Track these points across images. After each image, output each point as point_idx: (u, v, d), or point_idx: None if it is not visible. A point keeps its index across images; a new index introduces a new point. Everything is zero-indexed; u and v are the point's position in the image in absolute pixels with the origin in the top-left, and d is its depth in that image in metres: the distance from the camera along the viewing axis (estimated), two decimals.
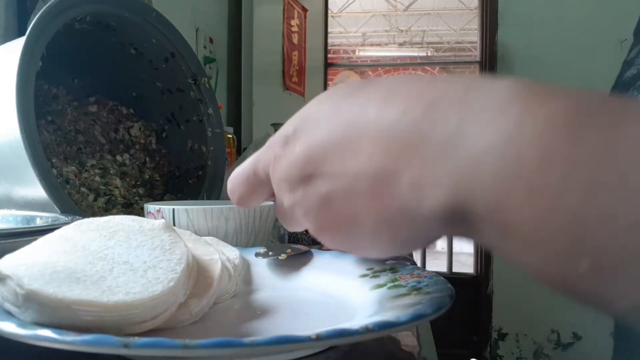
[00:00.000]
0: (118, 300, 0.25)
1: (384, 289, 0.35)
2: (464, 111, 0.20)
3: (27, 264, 0.26)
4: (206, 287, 0.32)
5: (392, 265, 0.38)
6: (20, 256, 0.27)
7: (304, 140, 0.26)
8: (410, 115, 0.21)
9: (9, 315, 0.25)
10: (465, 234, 0.21)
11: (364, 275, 0.38)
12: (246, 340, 0.21)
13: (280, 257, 0.42)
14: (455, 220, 0.20)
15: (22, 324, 0.24)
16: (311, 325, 0.31)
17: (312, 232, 0.27)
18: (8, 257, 0.27)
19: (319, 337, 0.22)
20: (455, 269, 2.64)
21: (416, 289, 0.32)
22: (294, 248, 0.44)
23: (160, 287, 0.27)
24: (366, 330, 0.23)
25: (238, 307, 0.36)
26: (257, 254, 0.43)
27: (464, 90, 0.20)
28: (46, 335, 0.22)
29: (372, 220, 0.23)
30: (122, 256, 0.29)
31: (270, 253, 0.43)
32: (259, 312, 0.34)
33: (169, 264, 0.29)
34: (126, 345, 0.21)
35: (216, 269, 0.34)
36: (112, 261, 0.28)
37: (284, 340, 0.22)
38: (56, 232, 0.31)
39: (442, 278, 0.34)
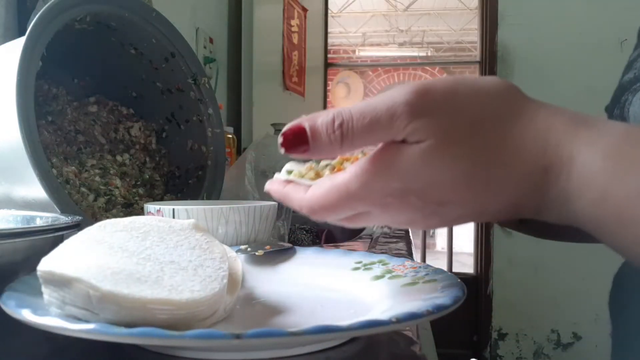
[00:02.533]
0: (188, 298, 0.26)
1: (384, 280, 0.36)
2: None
3: (83, 267, 0.26)
4: (233, 284, 0.33)
5: (379, 258, 0.40)
6: (65, 259, 0.27)
7: (437, 218, 0.28)
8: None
9: (77, 319, 0.25)
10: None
11: (356, 269, 0.39)
12: (290, 330, 0.23)
13: (256, 253, 0.44)
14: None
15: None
16: (333, 317, 0.32)
17: (374, 214, 0.29)
18: (47, 260, 0.27)
19: (353, 328, 0.24)
20: (455, 269, 2.64)
21: (419, 278, 0.34)
22: (274, 244, 0.46)
23: (217, 285, 0.28)
24: (396, 321, 0.24)
25: (253, 303, 0.36)
26: (238, 251, 0.44)
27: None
28: (160, 333, 0.22)
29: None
30: (165, 256, 0.30)
31: (249, 249, 0.44)
32: (276, 307, 0.35)
33: (214, 263, 0.30)
34: (238, 337, 0.22)
35: (238, 266, 0.35)
36: (158, 261, 0.29)
37: (324, 329, 0.23)
38: (80, 234, 0.31)
39: (437, 267, 0.36)
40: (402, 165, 0.26)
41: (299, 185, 0.30)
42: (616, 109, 0.51)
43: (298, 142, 0.27)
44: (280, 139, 0.27)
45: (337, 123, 0.26)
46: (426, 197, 0.27)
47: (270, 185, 0.32)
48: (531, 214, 0.28)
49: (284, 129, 0.28)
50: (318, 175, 0.31)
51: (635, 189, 0.24)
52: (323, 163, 0.32)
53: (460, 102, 0.26)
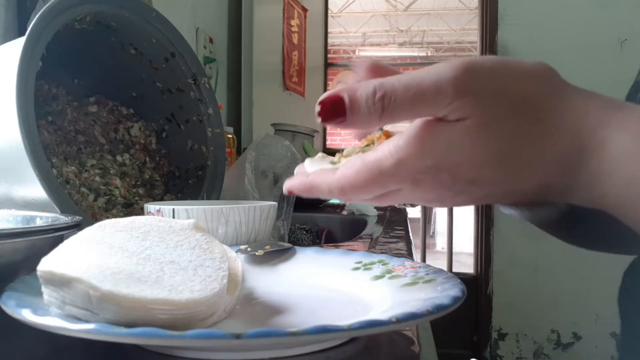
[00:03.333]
0: (188, 298, 0.26)
1: (384, 280, 0.36)
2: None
3: (83, 267, 0.26)
4: (233, 284, 0.33)
5: (379, 258, 0.40)
6: (65, 259, 0.27)
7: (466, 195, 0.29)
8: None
9: (77, 319, 0.25)
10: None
11: (356, 269, 0.39)
12: (290, 330, 0.23)
13: (256, 253, 0.43)
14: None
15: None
16: (333, 317, 0.32)
17: (406, 190, 0.28)
18: (47, 260, 0.27)
19: (353, 328, 0.24)
20: (455, 269, 2.64)
21: (419, 278, 0.34)
22: (274, 244, 0.46)
23: (217, 285, 0.28)
24: (396, 321, 0.24)
25: (253, 303, 0.36)
26: (237, 251, 0.44)
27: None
28: (160, 333, 0.22)
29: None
30: (165, 256, 0.30)
31: (249, 249, 0.44)
32: (276, 307, 0.35)
33: (214, 263, 0.30)
34: (238, 337, 0.22)
35: (238, 266, 0.35)
36: (158, 261, 0.29)
37: (324, 329, 0.23)
38: (80, 234, 0.31)
39: (437, 267, 0.36)
40: (440, 143, 0.26)
41: (324, 170, 0.29)
42: None
43: (335, 112, 0.26)
44: (317, 108, 0.27)
45: (378, 95, 0.26)
46: (459, 174, 0.27)
47: (291, 183, 0.30)
48: (559, 195, 0.28)
49: (322, 97, 0.27)
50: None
51: None
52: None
53: (504, 81, 0.26)
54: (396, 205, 0.33)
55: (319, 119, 0.27)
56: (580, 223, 0.35)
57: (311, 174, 0.30)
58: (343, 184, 0.28)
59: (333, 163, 0.30)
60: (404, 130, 0.27)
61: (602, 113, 0.26)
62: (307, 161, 0.32)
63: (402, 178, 0.27)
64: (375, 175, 0.27)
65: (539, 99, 0.27)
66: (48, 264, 0.26)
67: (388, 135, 0.31)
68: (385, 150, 0.27)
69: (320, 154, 0.32)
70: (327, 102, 0.27)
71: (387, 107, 0.26)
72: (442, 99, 0.25)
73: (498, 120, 0.26)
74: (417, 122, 0.26)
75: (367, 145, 0.31)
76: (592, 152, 0.26)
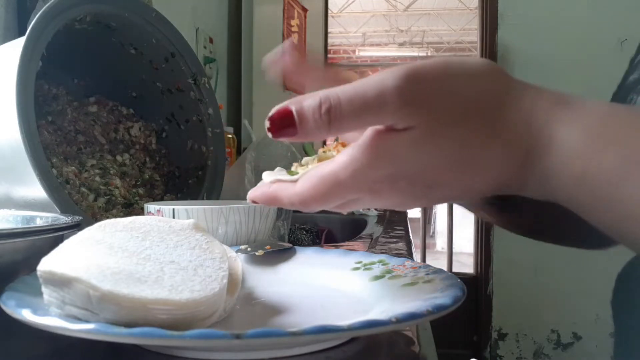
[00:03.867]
0: (188, 298, 0.26)
1: (384, 280, 0.36)
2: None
3: (83, 267, 0.26)
4: (233, 284, 0.33)
5: (379, 258, 0.40)
6: (65, 259, 0.27)
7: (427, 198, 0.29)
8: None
9: (77, 319, 0.25)
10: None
11: (356, 269, 0.39)
12: (290, 330, 0.23)
13: (257, 253, 0.44)
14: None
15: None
16: (333, 317, 0.32)
17: (367, 199, 0.29)
18: (47, 260, 0.27)
19: (353, 328, 0.24)
20: (455, 269, 2.64)
21: (419, 278, 0.34)
22: (274, 244, 0.46)
23: (217, 285, 0.28)
24: (396, 321, 0.24)
25: (253, 303, 0.36)
26: (237, 251, 0.44)
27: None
28: (160, 333, 0.23)
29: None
30: (165, 256, 0.30)
31: (249, 249, 0.44)
32: (276, 307, 0.35)
33: (214, 262, 0.30)
34: (238, 337, 0.22)
35: (238, 266, 0.35)
36: (158, 261, 0.29)
37: (324, 329, 0.23)
38: (80, 234, 0.31)
39: (437, 267, 0.36)
40: (392, 152, 0.26)
41: (284, 182, 0.30)
42: None
43: (286, 125, 0.27)
44: (267, 124, 0.27)
45: (324, 108, 0.26)
46: (416, 181, 0.27)
47: (253, 193, 0.31)
48: (515, 190, 0.29)
49: (271, 112, 0.27)
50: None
51: (610, 167, 0.25)
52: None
53: (449, 86, 0.26)
54: (361, 210, 0.33)
55: (270, 134, 0.27)
56: (534, 214, 0.36)
57: (273, 186, 0.30)
58: (303, 197, 0.28)
59: (291, 173, 0.31)
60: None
61: (551, 110, 0.26)
62: (265, 174, 0.32)
63: (358, 189, 0.27)
64: (333, 188, 0.27)
65: (485, 100, 0.27)
66: (48, 264, 0.26)
67: (344, 144, 0.31)
68: (340, 162, 0.27)
69: (278, 168, 0.33)
70: (277, 116, 0.27)
71: (334, 119, 0.26)
72: (387, 110, 0.25)
73: (446, 125, 0.26)
74: (369, 131, 0.27)
75: (324, 152, 0.32)
76: (542, 150, 0.26)
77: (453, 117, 0.26)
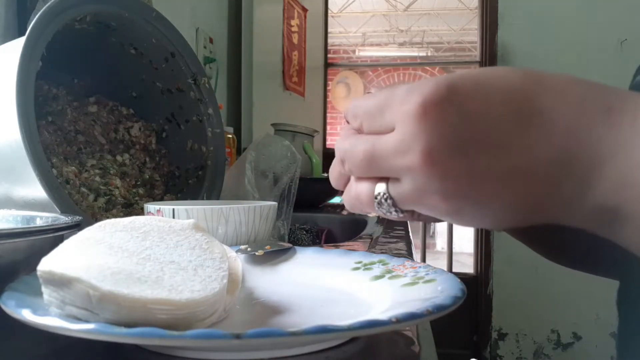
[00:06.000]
0: (188, 298, 0.26)
1: (384, 280, 0.36)
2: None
3: (83, 267, 0.26)
4: (233, 284, 0.33)
5: (379, 258, 0.40)
6: (65, 259, 0.27)
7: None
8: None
9: (77, 319, 0.25)
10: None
11: (356, 269, 0.39)
12: (290, 330, 0.23)
13: (257, 253, 0.43)
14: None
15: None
16: (333, 317, 0.32)
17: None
18: (47, 260, 0.26)
19: (353, 328, 0.24)
20: (455, 269, 2.64)
21: (419, 278, 0.34)
22: (274, 244, 0.46)
23: (217, 285, 0.28)
24: (396, 321, 0.24)
25: (253, 303, 0.36)
26: (237, 251, 0.44)
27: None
28: (160, 333, 0.22)
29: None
30: (165, 256, 0.30)
31: (249, 249, 0.44)
32: (276, 307, 0.35)
33: (214, 262, 0.30)
34: (238, 337, 0.22)
35: (238, 266, 0.35)
36: (158, 261, 0.29)
37: (324, 329, 0.23)
38: (80, 234, 0.31)
39: (437, 267, 0.36)
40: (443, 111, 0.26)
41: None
42: None
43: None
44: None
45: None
46: (480, 141, 0.26)
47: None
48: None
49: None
50: None
51: None
52: None
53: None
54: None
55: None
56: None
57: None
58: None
59: None
60: None
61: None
62: None
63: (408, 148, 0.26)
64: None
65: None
66: (48, 264, 0.26)
67: None
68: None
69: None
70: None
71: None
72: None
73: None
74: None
75: None
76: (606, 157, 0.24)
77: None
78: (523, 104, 0.25)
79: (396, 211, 0.28)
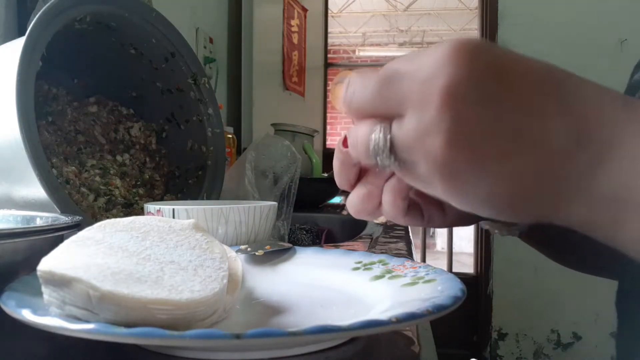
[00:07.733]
0: (188, 298, 0.26)
1: (384, 280, 0.36)
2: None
3: (83, 267, 0.26)
4: (233, 284, 0.33)
5: (379, 258, 0.40)
6: (65, 259, 0.27)
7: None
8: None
9: (77, 319, 0.25)
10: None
11: (356, 269, 0.39)
12: (290, 330, 0.23)
13: (257, 253, 0.43)
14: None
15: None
16: (333, 317, 0.33)
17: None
18: (47, 260, 0.26)
19: (353, 328, 0.24)
20: (455, 269, 2.64)
21: (419, 278, 0.34)
22: (274, 244, 0.46)
23: (217, 285, 0.28)
24: (396, 321, 0.24)
25: (253, 303, 0.36)
26: (237, 251, 0.44)
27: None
28: (160, 333, 0.23)
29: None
30: (165, 256, 0.30)
31: (249, 249, 0.44)
32: (276, 307, 0.35)
33: (214, 263, 0.30)
34: (238, 337, 0.22)
35: (238, 266, 0.35)
36: (158, 261, 0.29)
37: (324, 329, 0.23)
38: (80, 234, 0.31)
39: (437, 267, 0.36)
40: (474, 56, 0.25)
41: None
42: None
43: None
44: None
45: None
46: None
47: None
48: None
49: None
50: None
51: None
52: None
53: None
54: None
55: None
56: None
57: None
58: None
59: None
60: None
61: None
62: None
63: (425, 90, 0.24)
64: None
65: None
66: (48, 264, 0.26)
67: None
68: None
69: None
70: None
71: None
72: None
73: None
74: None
75: None
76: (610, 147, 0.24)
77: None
78: (548, 75, 0.25)
79: (389, 158, 0.25)
